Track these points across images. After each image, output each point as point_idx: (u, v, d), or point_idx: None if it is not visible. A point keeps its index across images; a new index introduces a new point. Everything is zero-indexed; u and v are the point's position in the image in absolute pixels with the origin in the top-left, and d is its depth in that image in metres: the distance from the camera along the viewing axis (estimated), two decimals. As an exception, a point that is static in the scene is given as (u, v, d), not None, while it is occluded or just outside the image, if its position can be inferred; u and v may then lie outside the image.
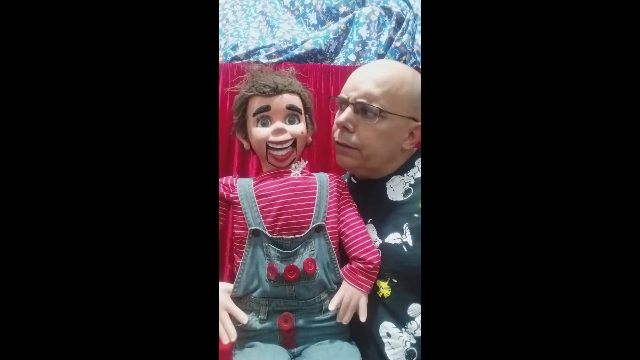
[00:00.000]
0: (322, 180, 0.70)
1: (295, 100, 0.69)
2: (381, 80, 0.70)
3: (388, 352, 0.62)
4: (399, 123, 0.70)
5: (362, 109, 0.70)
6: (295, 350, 0.63)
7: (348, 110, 0.71)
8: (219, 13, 1.41)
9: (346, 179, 0.80)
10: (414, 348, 0.61)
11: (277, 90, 0.66)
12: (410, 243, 0.64)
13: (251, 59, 1.28)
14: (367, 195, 0.73)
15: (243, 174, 1.08)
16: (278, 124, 0.66)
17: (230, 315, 0.62)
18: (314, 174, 0.71)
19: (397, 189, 0.71)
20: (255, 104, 0.67)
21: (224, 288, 0.65)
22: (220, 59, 1.29)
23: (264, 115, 0.67)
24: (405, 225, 0.66)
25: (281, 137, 0.66)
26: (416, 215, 0.65)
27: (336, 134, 0.74)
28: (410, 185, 0.70)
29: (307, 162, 0.72)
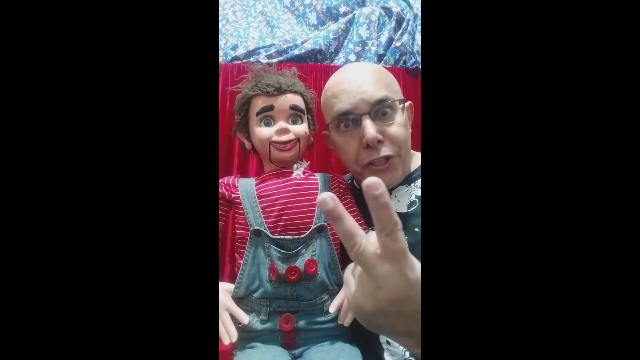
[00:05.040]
0: (324, 180, 0.69)
1: (298, 101, 0.68)
2: (373, 78, 0.67)
3: (387, 358, 0.62)
4: (402, 109, 0.69)
5: (377, 113, 0.64)
6: (296, 351, 0.63)
7: (368, 122, 0.63)
8: (219, 13, 1.41)
9: (349, 181, 0.78)
10: (412, 358, 0.60)
11: (280, 90, 0.66)
12: None
13: (251, 59, 1.28)
14: None
15: (243, 173, 1.08)
16: (282, 123, 0.66)
17: (231, 315, 0.62)
18: (315, 174, 0.71)
19: (402, 200, 0.69)
20: (259, 103, 0.67)
21: (225, 288, 0.64)
22: (220, 59, 1.29)
23: (267, 115, 0.66)
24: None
25: (285, 137, 0.66)
26: (417, 229, 0.63)
27: (363, 156, 0.65)
28: (416, 197, 0.68)
29: (309, 162, 0.71)
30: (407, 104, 0.73)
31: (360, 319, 0.37)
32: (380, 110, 0.64)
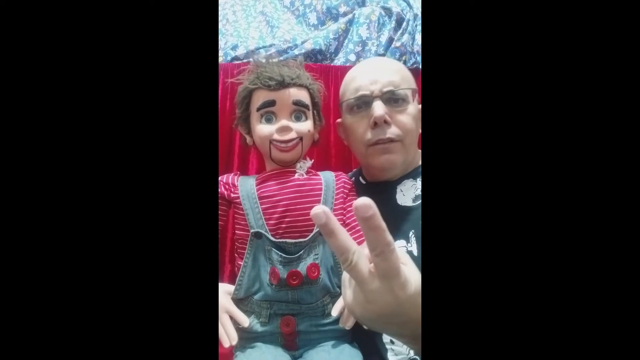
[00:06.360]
0: (328, 180, 0.67)
1: (303, 95, 0.64)
2: (393, 68, 0.71)
3: (391, 358, 0.62)
4: (416, 105, 0.72)
5: (390, 98, 0.68)
6: (297, 352, 0.62)
7: (379, 103, 0.66)
8: (219, 13, 1.41)
9: (353, 179, 0.79)
10: (417, 357, 0.60)
11: (283, 84, 0.61)
12: (415, 252, 0.62)
13: (251, 59, 1.28)
14: (376, 198, 0.67)
15: (243, 173, 1.08)
16: (283, 122, 0.62)
17: (231, 317, 0.61)
18: (319, 173, 0.68)
19: (408, 194, 0.69)
20: (260, 98, 0.62)
21: (225, 290, 0.63)
22: (220, 59, 1.29)
23: (269, 111, 0.62)
24: (411, 233, 0.64)
25: (286, 136, 0.62)
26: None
27: (369, 135, 0.68)
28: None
29: (312, 161, 0.68)
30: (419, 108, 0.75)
31: (356, 319, 0.37)
32: (392, 96, 0.68)
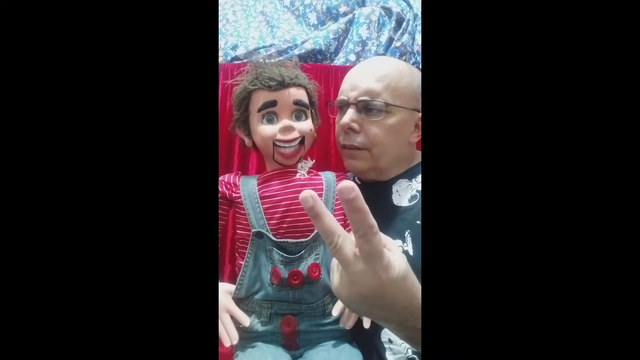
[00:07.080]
0: (329, 180, 0.67)
1: (302, 95, 0.65)
2: (380, 75, 0.68)
3: (389, 357, 0.62)
4: (404, 116, 0.69)
5: (364, 107, 0.68)
6: (297, 352, 0.62)
7: (350, 110, 0.68)
8: (219, 13, 1.41)
9: (350, 179, 0.79)
10: (415, 356, 0.60)
11: (283, 84, 0.62)
12: (411, 252, 0.63)
13: (249, 60, 1.28)
14: (371, 198, 0.68)
15: (243, 173, 1.08)
16: (286, 121, 0.62)
17: (232, 317, 0.61)
18: (320, 173, 0.69)
19: (403, 194, 0.69)
20: (260, 98, 0.62)
21: (226, 289, 0.64)
22: (220, 59, 1.29)
23: (270, 111, 0.63)
24: (407, 233, 0.64)
25: (290, 136, 0.62)
26: (418, 222, 0.63)
27: (341, 137, 0.71)
28: (417, 191, 0.68)
29: (314, 161, 0.69)
30: (418, 117, 0.72)
31: (342, 302, 0.39)
32: (366, 105, 0.68)
